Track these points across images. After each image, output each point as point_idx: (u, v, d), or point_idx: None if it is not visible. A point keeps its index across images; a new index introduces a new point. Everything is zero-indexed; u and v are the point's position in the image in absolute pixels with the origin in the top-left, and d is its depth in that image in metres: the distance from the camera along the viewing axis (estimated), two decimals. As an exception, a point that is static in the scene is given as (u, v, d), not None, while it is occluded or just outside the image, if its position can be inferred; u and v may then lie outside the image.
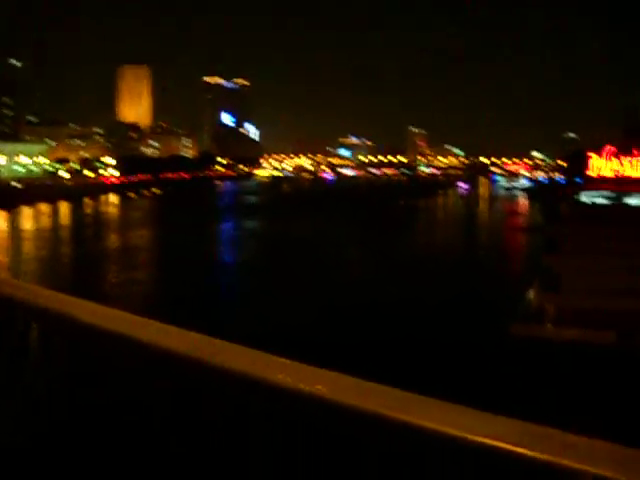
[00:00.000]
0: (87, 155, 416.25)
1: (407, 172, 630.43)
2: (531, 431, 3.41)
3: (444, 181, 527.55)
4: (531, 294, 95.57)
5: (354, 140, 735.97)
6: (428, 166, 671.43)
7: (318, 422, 3.82)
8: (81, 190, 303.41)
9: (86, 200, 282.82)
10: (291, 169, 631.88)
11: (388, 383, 3.86)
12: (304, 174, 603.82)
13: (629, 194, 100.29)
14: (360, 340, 76.66)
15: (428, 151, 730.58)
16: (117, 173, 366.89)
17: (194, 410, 4.41)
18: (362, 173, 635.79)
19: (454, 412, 3.60)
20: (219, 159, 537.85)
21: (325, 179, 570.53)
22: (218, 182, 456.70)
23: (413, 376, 58.71)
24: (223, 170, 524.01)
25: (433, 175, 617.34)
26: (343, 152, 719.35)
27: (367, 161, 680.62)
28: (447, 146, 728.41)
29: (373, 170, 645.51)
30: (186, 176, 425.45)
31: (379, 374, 5.39)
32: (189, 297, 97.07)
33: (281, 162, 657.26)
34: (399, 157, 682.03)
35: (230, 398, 4.23)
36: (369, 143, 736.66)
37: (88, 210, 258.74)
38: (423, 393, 3.75)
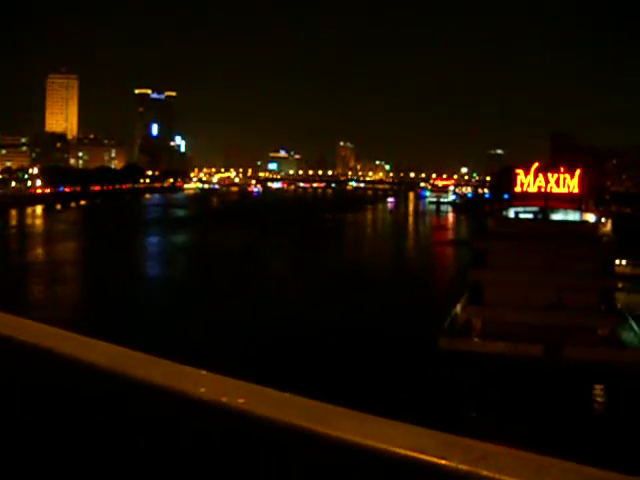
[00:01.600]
0: (11, 165, 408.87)
1: (335, 186, 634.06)
2: (452, 442, 3.37)
3: (373, 196, 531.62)
4: (458, 308, 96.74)
5: (283, 154, 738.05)
6: (357, 181, 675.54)
7: (240, 434, 3.76)
8: (7, 201, 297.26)
9: (12, 211, 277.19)
10: (219, 182, 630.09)
11: (315, 396, 3.80)
12: (232, 187, 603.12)
13: (554, 210, 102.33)
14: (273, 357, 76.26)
15: (358, 166, 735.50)
16: (41, 183, 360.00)
17: (117, 423, 4.30)
18: (291, 187, 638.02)
19: (376, 424, 3.55)
20: (148, 172, 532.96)
21: (253, 192, 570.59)
22: (147, 195, 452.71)
23: (339, 389, 58.89)
24: (150, 182, 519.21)
25: (362, 189, 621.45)
26: (272, 166, 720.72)
27: (296, 175, 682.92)
28: (377, 161, 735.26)
29: (302, 184, 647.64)
30: (113, 188, 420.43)
31: (301, 387, 5.37)
32: (105, 310, 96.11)
33: (210, 175, 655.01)
34: (328, 171, 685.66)
35: (152, 411, 4.15)
36: (298, 157, 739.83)
37: (13, 222, 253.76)
38: (348, 405, 3.69)
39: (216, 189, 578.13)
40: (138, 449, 4.22)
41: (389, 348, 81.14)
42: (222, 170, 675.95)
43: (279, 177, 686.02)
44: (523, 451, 3.32)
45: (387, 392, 64.80)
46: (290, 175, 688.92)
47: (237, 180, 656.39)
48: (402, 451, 3.27)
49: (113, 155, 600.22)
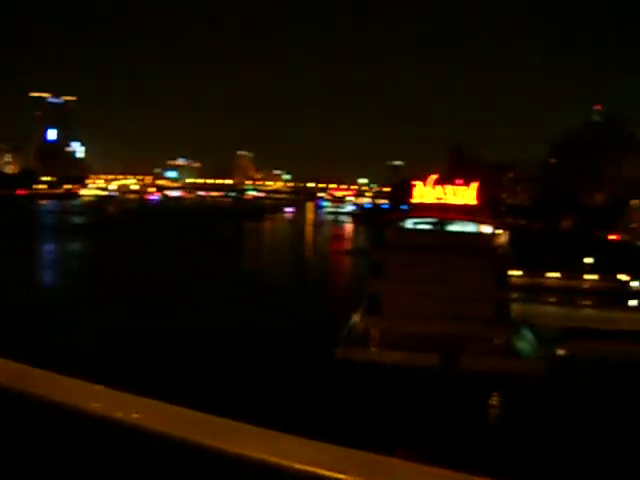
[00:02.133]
0: None
1: (234, 195, 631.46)
2: (351, 456, 3.40)
3: (271, 205, 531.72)
4: (356, 318, 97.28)
5: (183, 162, 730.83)
6: (256, 190, 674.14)
7: (135, 450, 3.68)
8: None
9: None
10: (117, 189, 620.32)
11: (207, 409, 3.77)
12: (130, 195, 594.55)
13: (452, 221, 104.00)
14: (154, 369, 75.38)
15: (256, 175, 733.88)
16: None
17: (14, 440, 4.14)
18: (190, 195, 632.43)
19: (273, 439, 3.54)
20: (43, 177, 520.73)
21: (151, 200, 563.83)
22: (42, 201, 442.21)
23: (236, 403, 58.42)
24: (47, 188, 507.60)
25: (261, 199, 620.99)
26: (170, 174, 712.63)
27: (195, 183, 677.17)
28: (276, 171, 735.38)
29: (200, 192, 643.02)
30: (5, 193, 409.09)
31: (191, 400, 5.24)
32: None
33: (108, 182, 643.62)
34: (227, 180, 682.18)
35: (47, 427, 4.02)
36: (197, 165, 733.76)
37: None
38: (244, 419, 3.68)
39: (114, 196, 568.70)
40: (35, 466, 4.06)
41: (286, 358, 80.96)
42: (121, 177, 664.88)
43: (178, 185, 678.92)
44: (422, 464, 3.39)
45: (283, 404, 64.64)
46: (189, 183, 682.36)
47: (136, 187, 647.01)
48: (300, 466, 3.27)
49: (9, 160, 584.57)
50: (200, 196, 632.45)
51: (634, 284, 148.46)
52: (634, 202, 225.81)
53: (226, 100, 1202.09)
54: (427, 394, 70.97)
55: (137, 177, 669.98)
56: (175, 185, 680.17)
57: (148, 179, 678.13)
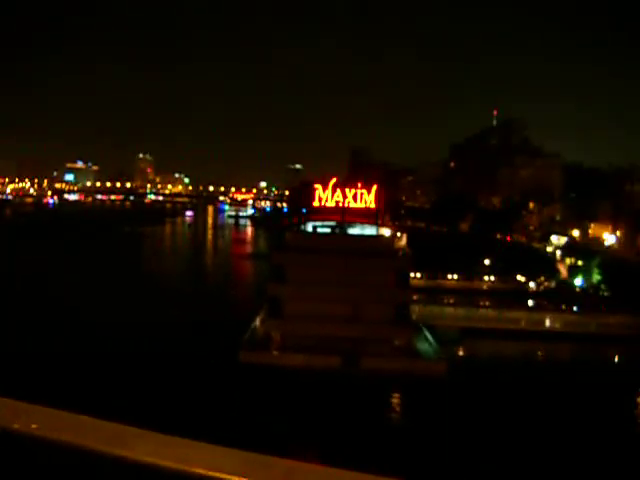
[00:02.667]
0: None
1: (134, 199, 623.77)
2: (253, 460, 3.35)
3: (172, 209, 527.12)
4: (258, 321, 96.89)
5: (81, 165, 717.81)
6: (156, 193, 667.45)
7: (34, 459, 3.46)
8: None
9: None
10: (12, 193, 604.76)
11: (108, 415, 3.69)
12: (27, 199, 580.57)
13: (352, 224, 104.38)
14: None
15: (157, 178, 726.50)
16: None
17: None
18: (88, 199, 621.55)
19: (172, 444, 3.48)
20: None
21: (49, 204, 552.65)
22: None
23: (138, 408, 56.98)
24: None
25: (160, 202, 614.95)
26: (69, 177, 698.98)
27: (93, 186, 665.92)
28: (176, 174, 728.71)
29: (99, 196, 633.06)
30: None
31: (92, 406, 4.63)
32: None
33: (2, 186, 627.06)
34: (126, 183, 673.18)
35: None
36: (96, 168, 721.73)
37: None
38: (148, 424, 3.63)
39: (9, 200, 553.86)
40: None
41: (188, 362, 79.86)
42: (16, 180, 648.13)
43: (76, 189, 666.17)
44: (325, 466, 3.53)
45: (186, 408, 63.62)
46: (88, 187, 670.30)
47: (32, 191, 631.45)
48: (201, 471, 3.24)
49: None
50: (99, 200, 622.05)
51: (531, 284, 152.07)
52: (531, 204, 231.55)
53: (127, 102, 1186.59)
54: (329, 396, 70.94)
55: (33, 180, 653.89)
56: (73, 188, 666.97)
57: (44, 182, 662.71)
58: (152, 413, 62.57)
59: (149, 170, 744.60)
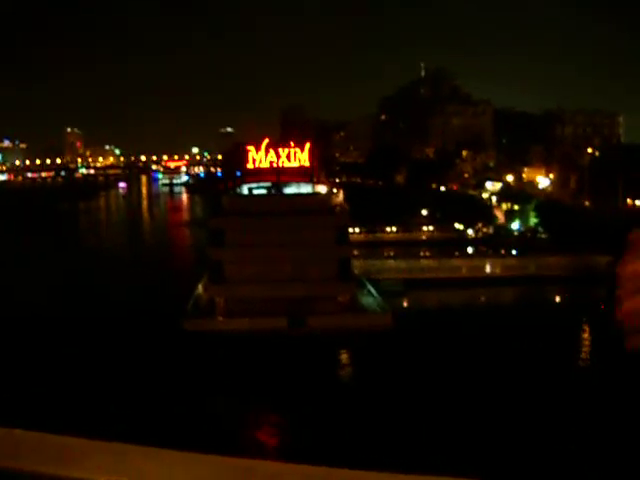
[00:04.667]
0: None
1: (65, 174, 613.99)
2: (232, 465, 3.13)
3: (104, 182, 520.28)
4: (200, 288, 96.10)
5: (7, 144, 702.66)
6: (87, 167, 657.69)
7: None
8: None
9: None
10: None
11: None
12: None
13: (287, 184, 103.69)
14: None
15: (87, 152, 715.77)
16: None
17: None
18: (18, 178, 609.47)
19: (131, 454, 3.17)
20: None
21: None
22: None
23: (84, 383, 56.19)
24: None
25: (92, 176, 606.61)
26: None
27: (23, 165, 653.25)
28: (107, 146, 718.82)
29: (29, 174, 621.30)
30: None
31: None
32: None
33: None
34: (57, 159, 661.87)
35: None
36: (23, 146, 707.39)
37: None
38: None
39: None
40: None
41: (133, 332, 78.89)
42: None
43: (4, 168, 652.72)
44: (283, 462, 3.44)
45: (134, 381, 62.95)
46: (16, 166, 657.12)
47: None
48: None
49: None
50: (29, 178, 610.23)
51: (470, 232, 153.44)
52: (465, 152, 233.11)
53: (50, 76, 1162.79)
54: (278, 358, 70.77)
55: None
56: (1, 168, 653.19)
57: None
58: (103, 387, 62.03)
59: (79, 144, 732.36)
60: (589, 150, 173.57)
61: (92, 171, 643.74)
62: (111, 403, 56.39)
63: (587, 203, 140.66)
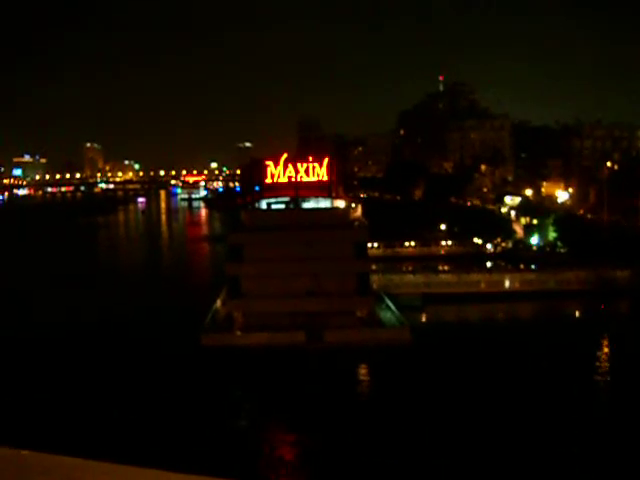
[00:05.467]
0: None
1: (85, 189, 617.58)
2: None
3: (124, 196, 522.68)
4: (218, 303, 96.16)
5: (28, 159, 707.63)
6: (106, 182, 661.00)
7: None
8: None
9: None
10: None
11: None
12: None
13: (306, 199, 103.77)
14: None
15: (106, 167, 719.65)
16: None
17: None
18: (38, 192, 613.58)
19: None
20: None
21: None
22: None
23: (106, 395, 56.37)
24: None
25: (112, 191, 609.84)
26: (17, 172, 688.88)
27: (43, 180, 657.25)
28: (126, 161, 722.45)
29: (49, 189, 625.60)
30: None
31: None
32: None
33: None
34: (76, 174, 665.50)
35: None
36: (44, 161, 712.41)
37: None
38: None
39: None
40: None
41: (153, 348, 79.18)
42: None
43: (25, 183, 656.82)
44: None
45: (155, 395, 63.06)
46: (37, 180, 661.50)
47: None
48: None
49: None
50: (50, 193, 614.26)
51: (489, 246, 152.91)
52: (483, 167, 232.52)
53: (69, 92, 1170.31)
54: (296, 372, 70.67)
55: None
56: (22, 183, 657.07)
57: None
58: (124, 400, 62.20)
59: (98, 159, 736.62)
60: (608, 164, 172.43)
61: (111, 186, 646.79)
62: (131, 420, 56.53)
63: (606, 217, 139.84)
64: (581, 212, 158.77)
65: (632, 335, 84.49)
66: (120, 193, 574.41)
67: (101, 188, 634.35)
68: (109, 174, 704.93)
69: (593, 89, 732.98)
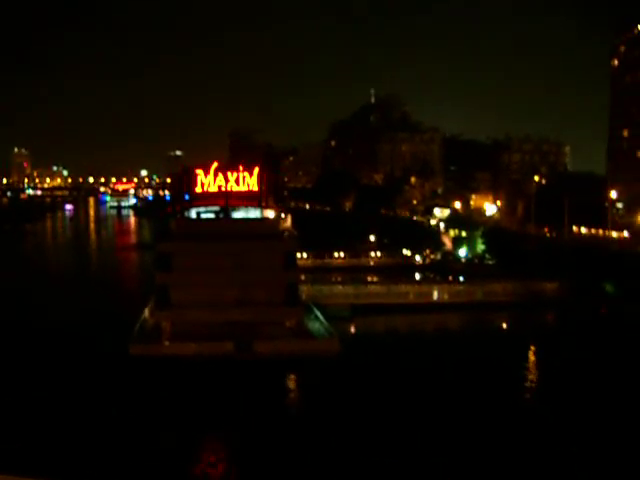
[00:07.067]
0: None
1: (11, 195, 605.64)
2: None
3: (51, 203, 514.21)
4: (147, 312, 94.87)
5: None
6: (34, 188, 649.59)
7: None
8: None
9: None
10: None
11: None
12: None
13: (236, 208, 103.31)
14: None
15: (34, 173, 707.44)
16: None
17: None
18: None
19: None
20: None
21: None
22: None
23: (26, 406, 54.99)
24: None
25: (40, 197, 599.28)
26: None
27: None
28: (54, 167, 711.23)
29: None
30: None
31: None
32: None
33: None
34: (3, 179, 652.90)
35: None
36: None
37: None
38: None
39: None
40: None
41: (78, 357, 77.65)
42: None
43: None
44: None
45: (79, 406, 61.86)
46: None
47: None
48: None
49: None
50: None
51: (417, 258, 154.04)
52: (413, 179, 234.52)
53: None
54: (224, 383, 70.05)
55: None
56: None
57: None
58: (47, 412, 60.75)
59: (26, 164, 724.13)
60: (536, 178, 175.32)
61: (39, 192, 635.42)
62: (51, 434, 55.26)
63: (533, 230, 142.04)
64: (509, 225, 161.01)
65: (558, 346, 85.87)
66: (48, 200, 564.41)
67: (28, 194, 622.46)
68: (37, 180, 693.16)
69: (526, 103, 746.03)
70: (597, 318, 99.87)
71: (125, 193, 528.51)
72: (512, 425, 58.30)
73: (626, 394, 66.20)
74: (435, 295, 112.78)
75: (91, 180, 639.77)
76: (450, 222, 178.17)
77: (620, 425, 57.70)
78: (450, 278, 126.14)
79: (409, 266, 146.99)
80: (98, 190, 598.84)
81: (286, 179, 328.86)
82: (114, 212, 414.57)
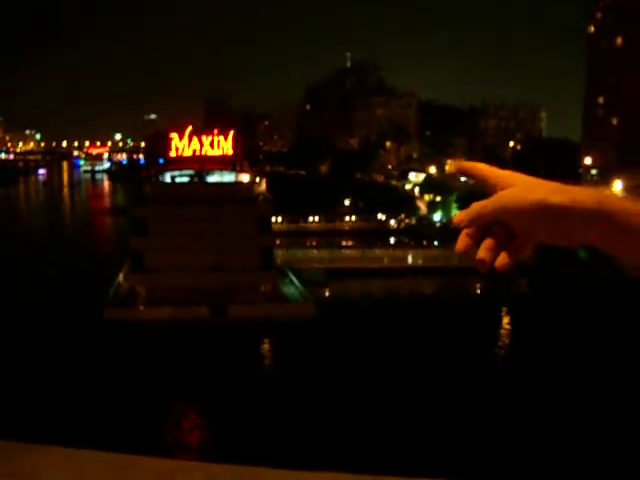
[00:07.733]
0: None
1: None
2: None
3: (24, 167, 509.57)
4: (121, 277, 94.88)
5: None
6: (6, 152, 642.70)
7: None
8: None
9: None
10: None
11: None
12: None
13: (210, 172, 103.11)
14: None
15: (6, 137, 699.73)
16: None
17: None
18: None
19: None
20: None
21: None
22: None
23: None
24: None
25: (12, 162, 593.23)
26: None
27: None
28: (27, 131, 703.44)
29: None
30: None
31: None
32: None
33: None
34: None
35: None
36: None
37: None
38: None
39: None
40: None
41: (53, 322, 77.35)
42: None
43: None
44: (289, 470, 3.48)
45: (57, 372, 61.88)
46: None
47: None
48: None
49: None
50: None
51: (392, 222, 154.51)
52: (388, 143, 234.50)
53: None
54: (199, 347, 70.28)
55: None
56: None
57: None
58: (27, 377, 60.70)
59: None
60: (511, 143, 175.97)
61: (11, 156, 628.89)
62: (24, 399, 55.20)
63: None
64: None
65: (530, 311, 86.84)
66: (20, 164, 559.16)
67: (0, 159, 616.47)
68: (9, 144, 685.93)
69: (506, 68, 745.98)
70: (565, 282, 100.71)
71: (99, 157, 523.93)
72: (482, 384, 59.07)
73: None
74: (410, 259, 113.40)
75: (65, 144, 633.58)
76: (425, 187, 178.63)
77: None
78: (425, 243, 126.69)
79: (384, 230, 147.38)
80: (72, 154, 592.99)
81: (261, 143, 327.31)
82: (88, 176, 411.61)
